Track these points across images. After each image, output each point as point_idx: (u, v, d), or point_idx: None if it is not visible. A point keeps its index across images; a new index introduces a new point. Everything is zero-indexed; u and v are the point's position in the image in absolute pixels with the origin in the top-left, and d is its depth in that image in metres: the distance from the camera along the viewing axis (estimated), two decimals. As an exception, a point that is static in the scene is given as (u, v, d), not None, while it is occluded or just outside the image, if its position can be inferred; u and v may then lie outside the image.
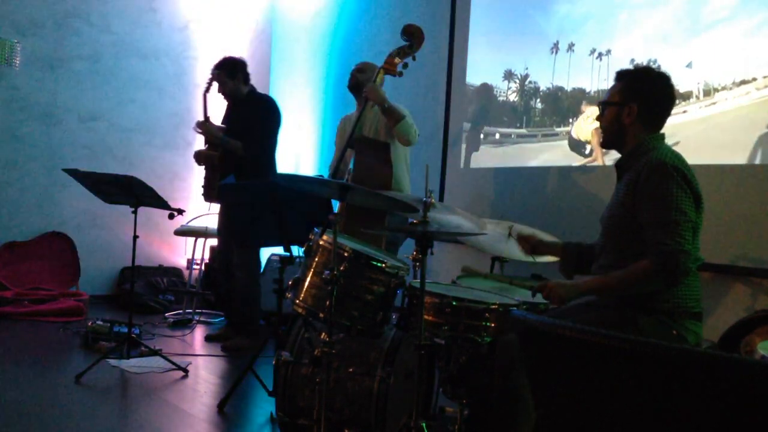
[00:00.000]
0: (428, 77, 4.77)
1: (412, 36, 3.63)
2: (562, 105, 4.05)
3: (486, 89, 4.51)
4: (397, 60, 3.61)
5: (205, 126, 4.49)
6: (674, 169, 2.18)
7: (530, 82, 4.24)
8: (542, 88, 4.17)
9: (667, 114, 2.36)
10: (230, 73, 4.58)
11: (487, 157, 4.45)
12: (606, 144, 2.44)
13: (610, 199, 2.44)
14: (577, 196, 3.87)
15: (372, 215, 3.40)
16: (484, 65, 4.50)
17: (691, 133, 3.31)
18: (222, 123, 4.71)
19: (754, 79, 3.12)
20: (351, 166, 3.70)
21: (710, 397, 1.04)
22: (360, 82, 3.88)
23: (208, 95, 4.61)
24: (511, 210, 4.15)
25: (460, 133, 4.62)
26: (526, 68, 4.27)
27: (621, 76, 2.40)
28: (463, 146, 4.61)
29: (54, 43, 5.76)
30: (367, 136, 3.77)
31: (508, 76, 4.38)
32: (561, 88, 4.04)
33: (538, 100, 4.22)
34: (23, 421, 3.01)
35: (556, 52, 4.06)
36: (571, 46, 3.97)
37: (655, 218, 2.17)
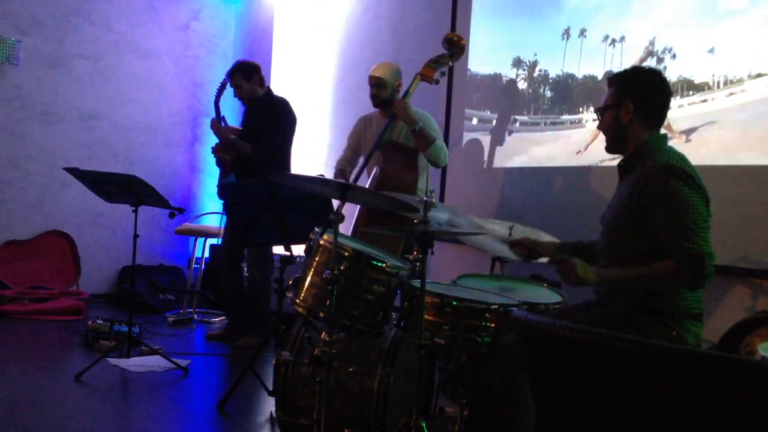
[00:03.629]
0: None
1: (453, 46, 3.59)
2: (573, 93, 4.02)
3: (493, 78, 4.49)
4: (435, 68, 3.58)
5: (217, 127, 4.54)
6: (683, 171, 2.18)
7: (540, 71, 4.22)
8: (552, 75, 4.13)
9: (665, 108, 2.36)
10: (246, 76, 4.62)
11: (485, 148, 4.44)
12: (610, 148, 2.43)
13: (612, 199, 2.43)
14: (579, 195, 3.86)
15: (389, 218, 3.39)
16: (490, 56, 4.48)
17: (711, 122, 3.28)
18: (241, 126, 4.79)
19: None
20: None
21: (710, 398, 1.04)
22: (386, 98, 3.81)
23: (219, 100, 4.66)
24: (512, 210, 4.15)
25: (462, 131, 4.62)
26: (535, 55, 4.24)
27: (612, 79, 2.42)
28: (466, 143, 4.61)
29: (55, 41, 5.77)
30: (396, 140, 3.75)
31: (517, 63, 4.35)
32: (572, 76, 4.02)
33: (548, 87, 4.19)
34: (23, 419, 3.01)
35: (567, 38, 4.02)
36: (582, 32, 3.92)
37: (672, 222, 2.15)
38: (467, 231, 2.98)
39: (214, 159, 4.69)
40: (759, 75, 3.09)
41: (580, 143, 3.92)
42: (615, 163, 2.47)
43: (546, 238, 3.18)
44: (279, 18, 6.40)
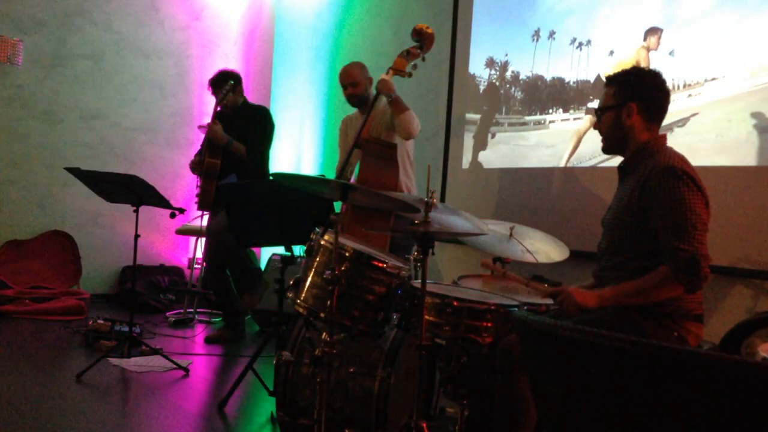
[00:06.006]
0: (430, 74, 4.75)
1: (422, 37, 3.61)
2: (541, 94, 4.06)
3: (491, 77, 4.52)
4: (406, 61, 3.59)
5: (212, 127, 4.51)
6: (683, 172, 2.17)
7: (513, 72, 4.25)
8: (522, 76, 4.18)
9: (665, 109, 2.36)
10: (235, 86, 4.67)
11: (483, 147, 4.47)
12: (608, 150, 2.42)
13: (612, 200, 2.43)
14: (579, 196, 3.86)
15: (376, 217, 3.40)
16: (490, 54, 4.52)
17: (679, 121, 3.37)
18: None
19: (724, 76, 3.18)
20: (357, 167, 3.70)
21: (711, 399, 1.04)
22: (362, 94, 3.88)
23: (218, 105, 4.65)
24: (513, 210, 4.15)
25: (461, 131, 4.62)
26: (506, 54, 4.28)
27: (612, 80, 2.38)
28: (465, 144, 4.60)
29: (56, 41, 5.77)
30: (373, 136, 3.77)
31: (490, 63, 4.39)
32: (541, 77, 4.06)
33: (518, 88, 4.23)
34: (24, 419, 3.01)
35: (537, 40, 4.07)
36: (551, 34, 3.99)
37: (670, 223, 2.15)
38: (467, 231, 2.98)
39: (199, 169, 4.55)
40: (714, 78, 3.22)
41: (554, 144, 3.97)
42: (613, 163, 2.47)
43: (545, 238, 3.18)
44: (280, 18, 6.40)
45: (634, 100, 2.30)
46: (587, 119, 3.82)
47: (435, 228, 2.46)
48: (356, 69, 3.95)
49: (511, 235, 3.12)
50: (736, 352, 2.67)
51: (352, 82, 3.92)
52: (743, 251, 3.10)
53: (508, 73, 4.31)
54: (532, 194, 4.15)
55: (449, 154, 4.64)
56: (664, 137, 2.35)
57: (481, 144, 4.50)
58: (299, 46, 6.22)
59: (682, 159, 2.25)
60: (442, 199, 4.56)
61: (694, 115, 3.29)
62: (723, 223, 3.11)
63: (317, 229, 2.60)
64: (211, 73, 4.83)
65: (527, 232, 3.18)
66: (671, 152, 2.28)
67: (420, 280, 2.37)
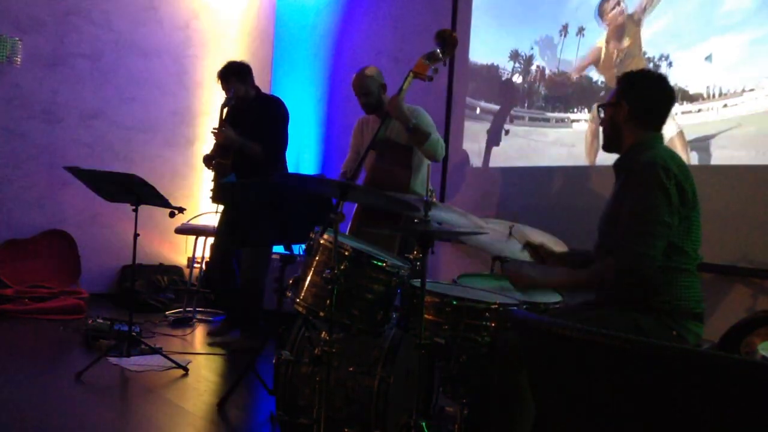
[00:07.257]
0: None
1: (445, 42, 3.58)
2: (567, 92, 4.01)
3: (490, 69, 4.48)
4: (427, 65, 3.55)
5: (224, 133, 4.41)
6: (663, 169, 2.16)
7: (538, 67, 4.19)
8: (547, 72, 4.12)
9: (663, 112, 2.36)
10: (242, 79, 4.52)
11: (482, 147, 4.43)
12: (606, 146, 2.45)
13: (608, 198, 2.44)
14: (579, 195, 3.86)
15: (386, 218, 3.39)
16: (489, 46, 4.46)
17: (700, 132, 3.30)
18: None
19: (765, 87, 3.11)
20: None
21: (710, 398, 1.04)
22: (374, 103, 3.83)
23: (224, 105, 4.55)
24: (512, 210, 4.14)
25: (462, 127, 4.61)
26: (532, 48, 4.23)
27: (618, 78, 2.44)
28: (465, 141, 4.60)
29: (55, 40, 5.77)
30: (390, 138, 3.75)
31: (514, 56, 4.34)
32: (566, 74, 4.00)
33: (542, 84, 4.17)
34: (23, 419, 3.01)
35: (565, 36, 4.01)
36: (581, 31, 3.91)
37: (630, 217, 2.19)
38: (467, 231, 2.98)
39: (211, 165, 4.52)
40: (752, 89, 3.11)
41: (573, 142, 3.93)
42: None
43: (544, 237, 3.18)
44: (280, 17, 6.40)
45: (627, 100, 2.34)
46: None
47: (434, 227, 2.46)
48: (368, 78, 3.84)
49: (510, 234, 3.12)
50: (735, 351, 2.67)
51: (364, 92, 3.84)
52: (743, 250, 3.11)
53: (533, 67, 4.23)
54: (531, 193, 4.15)
55: (448, 153, 4.63)
56: (659, 137, 2.36)
57: (484, 141, 4.49)
58: (299, 45, 6.22)
59: (669, 156, 2.24)
60: (441, 200, 4.56)
61: (730, 128, 3.15)
62: (723, 222, 3.12)
63: (317, 228, 2.60)
64: (210, 72, 4.80)
65: (527, 231, 3.17)
66: (661, 149, 2.29)
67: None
